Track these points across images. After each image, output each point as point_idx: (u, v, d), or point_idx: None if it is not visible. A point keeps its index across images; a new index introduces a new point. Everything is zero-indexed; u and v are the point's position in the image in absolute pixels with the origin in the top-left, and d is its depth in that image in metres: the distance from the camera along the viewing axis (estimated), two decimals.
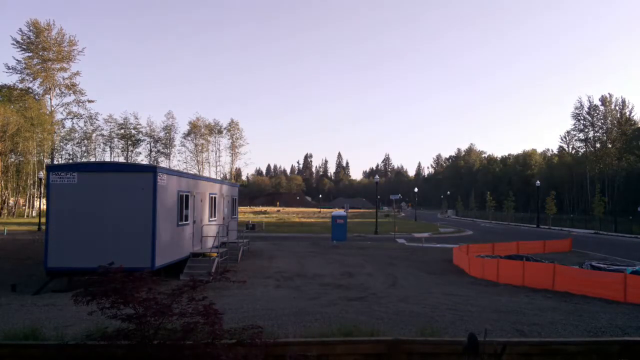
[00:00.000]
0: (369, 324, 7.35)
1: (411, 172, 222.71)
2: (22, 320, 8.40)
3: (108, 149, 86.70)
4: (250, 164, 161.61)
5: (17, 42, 65.57)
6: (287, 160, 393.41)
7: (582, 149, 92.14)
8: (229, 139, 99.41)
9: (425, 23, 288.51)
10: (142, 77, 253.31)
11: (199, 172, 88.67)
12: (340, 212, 40.76)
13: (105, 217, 13.60)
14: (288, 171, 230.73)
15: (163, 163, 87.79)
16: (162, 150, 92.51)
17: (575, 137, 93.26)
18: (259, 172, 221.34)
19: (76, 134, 77.54)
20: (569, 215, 70.46)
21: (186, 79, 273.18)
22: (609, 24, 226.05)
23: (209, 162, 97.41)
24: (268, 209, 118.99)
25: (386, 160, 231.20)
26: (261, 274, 16.49)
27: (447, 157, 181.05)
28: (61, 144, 74.99)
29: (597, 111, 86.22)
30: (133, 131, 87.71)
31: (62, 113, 71.84)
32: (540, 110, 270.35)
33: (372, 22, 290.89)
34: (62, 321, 8.34)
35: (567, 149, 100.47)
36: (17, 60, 66.06)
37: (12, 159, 62.27)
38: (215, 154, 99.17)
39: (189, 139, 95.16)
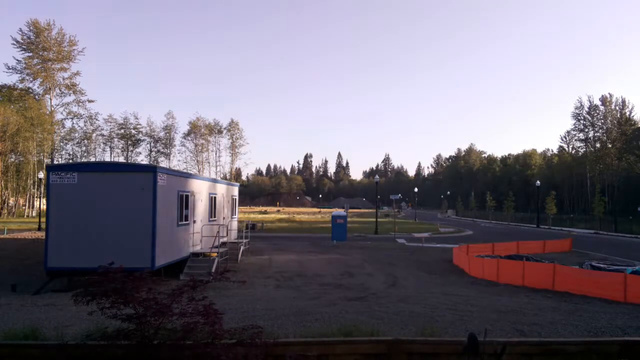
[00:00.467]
0: (369, 324, 7.35)
1: (411, 172, 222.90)
2: (22, 320, 8.40)
3: (108, 149, 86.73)
4: (250, 164, 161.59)
5: (17, 42, 65.60)
6: (287, 160, 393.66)
7: (582, 149, 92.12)
8: (229, 139, 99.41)
9: (425, 24, 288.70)
10: (142, 77, 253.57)
11: (199, 172, 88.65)
12: (340, 212, 40.76)
13: (105, 217, 13.60)
14: (288, 171, 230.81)
15: (163, 163, 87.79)
16: (162, 150, 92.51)
17: (575, 137, 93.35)
18: (259, 172, 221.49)
19: (76, 134, 77.56)
20: (569, 215, 70.44)
21: (186, 78, 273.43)
22: (609, 24, 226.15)
23: (209, 162, 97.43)
24: (268, 208, 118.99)
25: (386, 160, 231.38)
26: (261, 274, 16.49)
27: (447, 157, 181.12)
28: (61, 144, 74.98)
29: (597, 111, 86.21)
30: (133, 131, 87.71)
31: (62, 113, 71.87)
32: (540, 110, 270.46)
33: (372, 23, 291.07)
34: (62, 321, 8.34)
35: (567, 149, 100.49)
36: (17, 60, 66.14)
37: (12, 159, 62.26)
38: (215, 154, 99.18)
39: (189, 139, 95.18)
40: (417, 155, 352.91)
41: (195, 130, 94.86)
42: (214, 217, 20.16)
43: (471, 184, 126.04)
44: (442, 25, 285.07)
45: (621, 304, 11.38)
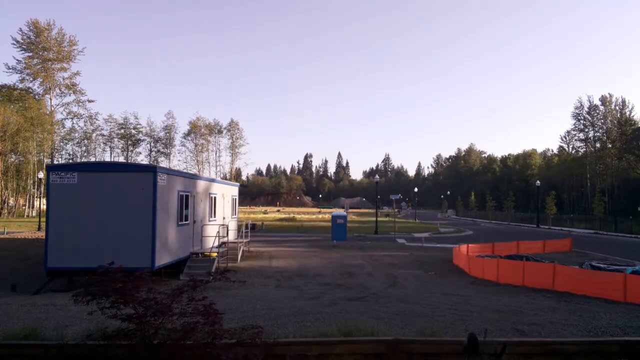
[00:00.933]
0: (369, 324, 7.35)
1: (411, 172, 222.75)
2: (22, 320, 8.40)
3: (108, 148, 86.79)
4: (250, 164, 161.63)
5: (17, 42, 65.63)
6: (287, 160, 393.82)
7: (582, 148, 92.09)
8: (229, 139, 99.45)
9: (425, 25, 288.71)
10: (142, 77, 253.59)
11: (199, 172, 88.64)
12: (340, 212, 40.76)
13: (105, 217, 13.60)
14: (288, 171, 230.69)
15: (163, 163, 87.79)
16: (162, 150, 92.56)
17: (575, 137, 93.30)
18: (259, 172, 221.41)
19: (76, 134, 77.65)
20: (569, 215, 70.43)
21: (186, 78, 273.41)
22: (609, 23, 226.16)
23: (209, 162, 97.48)
24: (268, 208, 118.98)
25: (386, 160, 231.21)
26: (261, 273, 16.49)
27: (447, 157, 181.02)
28: (61, 144, 75.03)
29: (597, 111, 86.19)
30: (133, 131, 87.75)
31: (62, 113, 71.92)
32: (540, 110, 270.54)
33: (372, 23, 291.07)
34: (62, 321, 8.34)
35: (567, 148, 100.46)
36: (17, 60, 66.19)
37: (12, 159, 62.27)
38: (215, 153, 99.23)
39: (189, 138, 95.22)
40: (417, 155, 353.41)
41: (195, 130, 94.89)
42: (214, 217, 20.16)
43: (471, 184, 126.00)
44: (442, 26, 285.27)
45: (621, 304, 11.37)
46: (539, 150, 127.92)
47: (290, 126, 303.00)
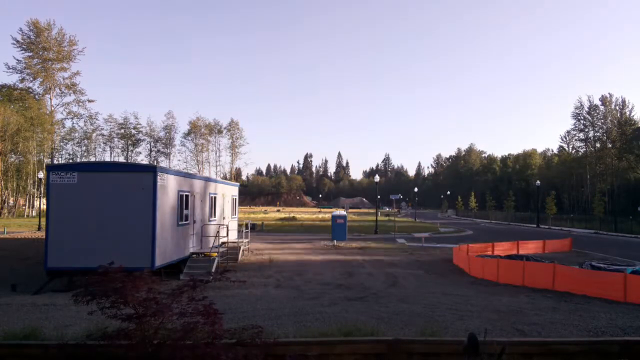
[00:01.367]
0: (369, 324, 7.35)
1: (411, 172, 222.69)
2: (22, 320, 8.40)
3: (108, 148, 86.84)
4: (250, 164, 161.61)
5: (18, 41, 65.68)
6: (287, 160, 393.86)
7: (582, 148, 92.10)
8: (229, 139, 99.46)
9: (424, 22, 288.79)
10: (142, 76, 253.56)
11: (199, 172, 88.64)
12: (340, 212, 40.77)
13: (105, 217, 13.60)
14: (288, 171, 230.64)
15: (163, 163, 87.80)
16: (162, 150, 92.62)
17: (575, 137, 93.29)
18: (259, 172, 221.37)
19: (76, 134, 77.70)
20: (569, 215, 70.41)
21: (186, 78, 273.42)
22: (609, 23, 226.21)
23: (209, 162, 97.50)
24: (268, 208, 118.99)
25: (386, 160, 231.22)
26: (261, 273, 16.48)
27: (447, 157, 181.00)
28: (61, 143, 75.06)
29: (597, 111, 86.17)
30: (133, 131, 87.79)
31: (62, 113, 71.97)
32: (540, 110, 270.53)
33: (372, 22, 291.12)
34: (62, 321, 8.35)
35: (567, 148, 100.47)
36: (17, 59, 66.22)
37: (12, 159, 62.28)
38: (215, 153, 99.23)
39: (189, 138, 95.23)
40: (417, 155, 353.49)
41: (195, 130, 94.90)
42: (214, 217, 20.16)
43: (471, 184, 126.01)
44: (442, 25, 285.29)
45: (621, 304, 11.37)
46: (539, 150, 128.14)
47: (290, 126, 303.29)
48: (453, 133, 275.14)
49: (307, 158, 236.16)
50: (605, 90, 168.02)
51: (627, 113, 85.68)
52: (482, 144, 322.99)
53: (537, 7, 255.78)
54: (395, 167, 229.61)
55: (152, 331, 3.87)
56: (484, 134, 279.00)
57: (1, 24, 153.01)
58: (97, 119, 79.32)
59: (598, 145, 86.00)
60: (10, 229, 34.97)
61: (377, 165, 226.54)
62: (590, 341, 5.15)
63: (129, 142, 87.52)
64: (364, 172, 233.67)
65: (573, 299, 12.09)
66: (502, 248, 23.08)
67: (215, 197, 20.32)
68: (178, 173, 17.30)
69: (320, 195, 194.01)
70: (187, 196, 16.50)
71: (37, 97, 67.25)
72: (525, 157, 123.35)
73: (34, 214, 58.85)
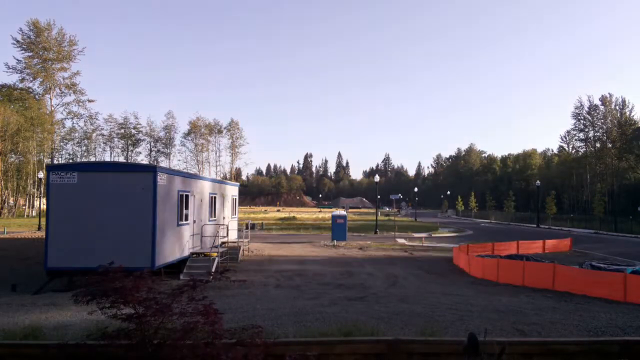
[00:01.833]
0: (369, 324, 7.35)
1: (411, 172, 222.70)
2: (22, 320, 8.41)
3: (108, 148, 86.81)
4: (250, 163, 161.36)
5: (18, 41, 65.66)
6: (287, 160, 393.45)
7: (582, 148, 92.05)
8: (229, 139, 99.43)
9: (425, 22, 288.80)
10: (142, 76, 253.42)
11: (199, 171, 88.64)
12: (340, 212, 40.78)
13: (105, 216, 13.60)
14: (288, 171, 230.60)
15: (163, 163, 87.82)
16: (162, 150, 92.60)
17: (575, 137, 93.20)
18: (259, 172, 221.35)
19: (76, 134, 77.67)
20: (569, 215, 70.42)
21: (186, 78, 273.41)
22: (609, 23, 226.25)
23: (209, 162, 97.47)
24: (268, 208, 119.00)
25: (386, 160, 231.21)
26: (261, 273, 16.49)
27: (447, 157, 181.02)
28: (61, 143, 75.04)
29: (597, 111, 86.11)
30: (133, 131, 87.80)
31: (62, 113, 71.97)
32: (540, 110, 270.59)
33: (373, 22, 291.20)
34: (62, 321, 8.35)
35: (567, 148, 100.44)
36: (17, 59, 66.22)
37: (12, 159, 62.28)
38: (216, 153, 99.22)
39: (189, 138, 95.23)
40: (417, 155, 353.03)
41: (195, 130, 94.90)
42: (214, 217, 20.16)
43: (471, 184, 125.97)
44: (443, 24, 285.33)
45: (621, 303, 11.37)
46: (539, 150, 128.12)
47: (290, 126, 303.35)
48: (453, 133, 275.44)
49: (307, 158, 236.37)
50: (606, 90, 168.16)
51: (627, 113, 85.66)
52: (482, 144, 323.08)
53: (538, 8, 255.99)
54: (395, 167, 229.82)
55: (152, 331, 3.87)
56: (484, 134, 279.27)
57: (1, 24, 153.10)
58: (97, 119, 79.41)
59: (598, 145, 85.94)
60: (10, 229, 34.97)
61: (377, 165, 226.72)
62: (590, 341, 5.14)
63: (129, 142, 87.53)
64: (364, 172, 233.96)
65: (573, 299, 12.09)
66: (502, 248, 23.08)
67: (215, 197, 20.32)
68: (178, 173, 17.30)
69: (320, 195, 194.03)
70: (187, 196, 16.50)
71: (37, 97, 67.27)
72: (525, 157, 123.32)
73: (34, 214, 58.85)
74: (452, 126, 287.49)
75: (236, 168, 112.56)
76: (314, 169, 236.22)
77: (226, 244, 19.44)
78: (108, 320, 4.19)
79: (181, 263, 15.91)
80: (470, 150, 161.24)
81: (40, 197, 58.95)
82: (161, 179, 14.18)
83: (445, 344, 4.58)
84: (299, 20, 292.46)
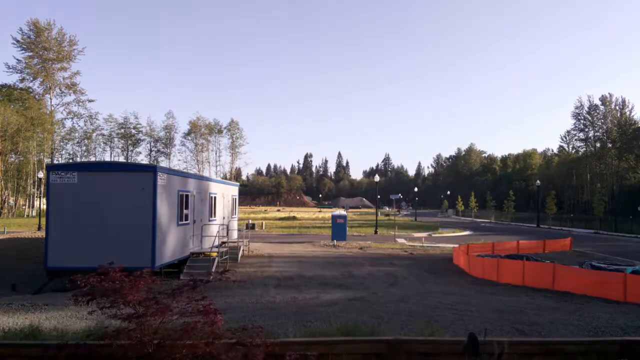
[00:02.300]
0: (369, 324, 7.35)
1: (411, 172, 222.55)
2: (22, 319, 8.41)
3: (108, 148, 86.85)
4: (250, 163, 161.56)
5: (18, 41, 65.72)
6: (287, 160, 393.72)
7: (582, 148, 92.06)
8: (229, 139, 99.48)
9: (425, 23, 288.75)
10: (142, 76, 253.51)
11: (199, 171, 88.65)
12: (340, 212, 40.77)
13: (105, 216, 13.61)
14: (288, 171, 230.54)
15: (163, 163, 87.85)
16: (162, 149, 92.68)
17: (576, 137, 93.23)
18: (259, 172, 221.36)
19: (76, 134, 77.72)
20: (569, 215, 70.39)
21: (186, 78, 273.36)
22: (609, 23, 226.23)
23: (209, 162, 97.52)
24: (268, 208, 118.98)
25: (386, 160, 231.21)
26: (261, 273, 16.48)
27: (447, 157, 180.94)
28: (61, 143, 75.12)
29: (597, 111, 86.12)
30: (133, 131, 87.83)
31: (62, 113, 72.05)
32: (540, 110, 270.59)
33: (373, 22, 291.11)
34: (62, 321, 8.35)
35: (567, 148, 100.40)
36: (17, 59, 66.29)
37: (12, 159, 62.29)
38: (216, 153, 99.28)
39: (189, 138, 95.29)
40: (417, 155, 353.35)
41: (195, 130, 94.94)
42: (214, 217, 20.16)
43: (471, 184, 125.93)
44: (443, 24, 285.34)
45: (621, 303, 11.38)
46: (539, 150, 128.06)
47: (290, 126, 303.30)
48: (453, 133, 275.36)
49: (307, 158, 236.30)
50: (606, 90, 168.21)
51: (627, 113, 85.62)
52: (482, 144, 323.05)
53: (538, 7, 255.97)
54: (395, 167, 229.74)
55: (152, 331, 3.87)
56: (484, 134, 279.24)
57: (1, 24, 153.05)
58: (97, 119, 79.49)
59: (598, 145, 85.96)
60: (10, 229, 34.97)
61: (377, 165, 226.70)
62: (590, 341, 5.14)
63: (129, 142, 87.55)
64: (364, 172, 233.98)
65: (573, 299, 12.10)
66: (502, 248, 23.08)
67: (215, 197, 20.31)
68: (178, 173, 17.30)
69: (320, 195, 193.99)
70: (187, 196, 16.50)
71: (37, 97, 67.31)
72: (525, 157, 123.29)
73: (34, 214, 58.84)
74: (452, 126, 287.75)
75: (236, 168, 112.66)
76: (314, 169, 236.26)
77: (226, 244, 19.43)
78: (108, 320, 4.19)
79: (181, 263, 15.91)
80: (470, 150, 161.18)
81: (40, 197, 58.94)
82: (161, 178, 14.18)
83: (445, 344, 4.58)
84: (300, 20, 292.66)
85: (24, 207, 64.79)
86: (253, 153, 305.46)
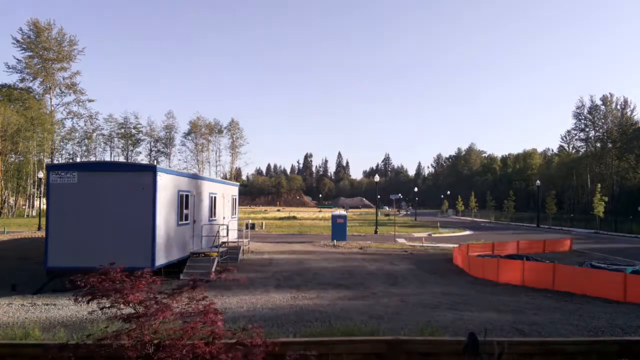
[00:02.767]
0: (369, 324, 7.35)
1: (411, 172, 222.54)
2: (22, 319, 8.41)
3: (108, 148, 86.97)
4: (250, 163, 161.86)
5: (18, 41, 65.73)
6: (287, 160, 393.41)
7: (582, 148, 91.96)
8: (229, 139, 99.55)
9: (424, 23, 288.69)
10: (142, 76, 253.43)
11: (199, 171, 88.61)
12: (340, 212, 40.77)
13: (105, 216, 13.61)
14: (288, 171, 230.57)
15: (163, 162, 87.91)
16: (162, 149, 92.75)
17: (576, 137, 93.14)
18: (259, 172, 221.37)
19: (76, 134, 77.81)
20: (569, 215, 70.41)
21: (187, 78, 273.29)
22: (610, 23, 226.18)
23: (209, 162, 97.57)
24: (268, 208, 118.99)
25: (386, 160, 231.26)
26: (261, 273, 16.49)
27: (447, 157, 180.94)
28: (61, 143, 75.13)
29: (598, 111, 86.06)
30: (133, 131, 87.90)
31: (62, 113, 72.09)
32: (540, 110, 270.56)
33: (373, 22, 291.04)
34: (62, 321, 8.36)
35: (567, 148, 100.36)
36: (17, 59, 66.32)
37: (12, 159, 62.30)
38: (216, 153, 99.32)
39: (189, 138, 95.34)
40: (417, 155, 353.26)
41: (195, 129, 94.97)
42: (214, 216, 20.15)
43: (471, 184, 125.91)
44: (442, 25, 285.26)
45: (621, 303, 11.38)
46: (539, 150, 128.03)
47: (290, 126, 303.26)
48: (453, 133, 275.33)
49: (307, 158, 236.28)
50: (607, 90, 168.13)
51: (628, 113, 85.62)
52: (482, 144, 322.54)
53: (538, 6, 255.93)
54: (395, 167, 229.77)
55: (152, 331, 3.87)
56: (484, 134, 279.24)
57: (1, 24, 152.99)
58: (97, 119, 79.58)
59: (599, 145, 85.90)
60: (10, 229, 34.97)
61: (377, 165, 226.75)
62: (590, 341, 5.14)
63: (129, 141, 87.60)
64: (364, 172, 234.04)
65: (573, 299, 12.10)
66: (502, 248, 23.08)
67: (215, 197, 20.31)
68: (178, 173, 17.29)
69: (320, 195, 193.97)
70: (187, 196, 16.50)
71: (37, 97, 67.32)
72: (526, 157, 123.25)
73: (34, 214, 58.85)
74: (452, 126, 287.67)
75: (236, 168, 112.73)
76: (314, 169, 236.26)
77: (226, 244, 19.43)
78: (108, 320, 4.19)
79: (181, 263, 15.92)
80: (470, 150, 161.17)
81: (40, 197, 58.95)
82: (161, 178, 14.18)
83: (445, 344, 4.58)
84: (300, 20, 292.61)
85: (24, 207, 64.82)
86: (253, 153, 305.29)
